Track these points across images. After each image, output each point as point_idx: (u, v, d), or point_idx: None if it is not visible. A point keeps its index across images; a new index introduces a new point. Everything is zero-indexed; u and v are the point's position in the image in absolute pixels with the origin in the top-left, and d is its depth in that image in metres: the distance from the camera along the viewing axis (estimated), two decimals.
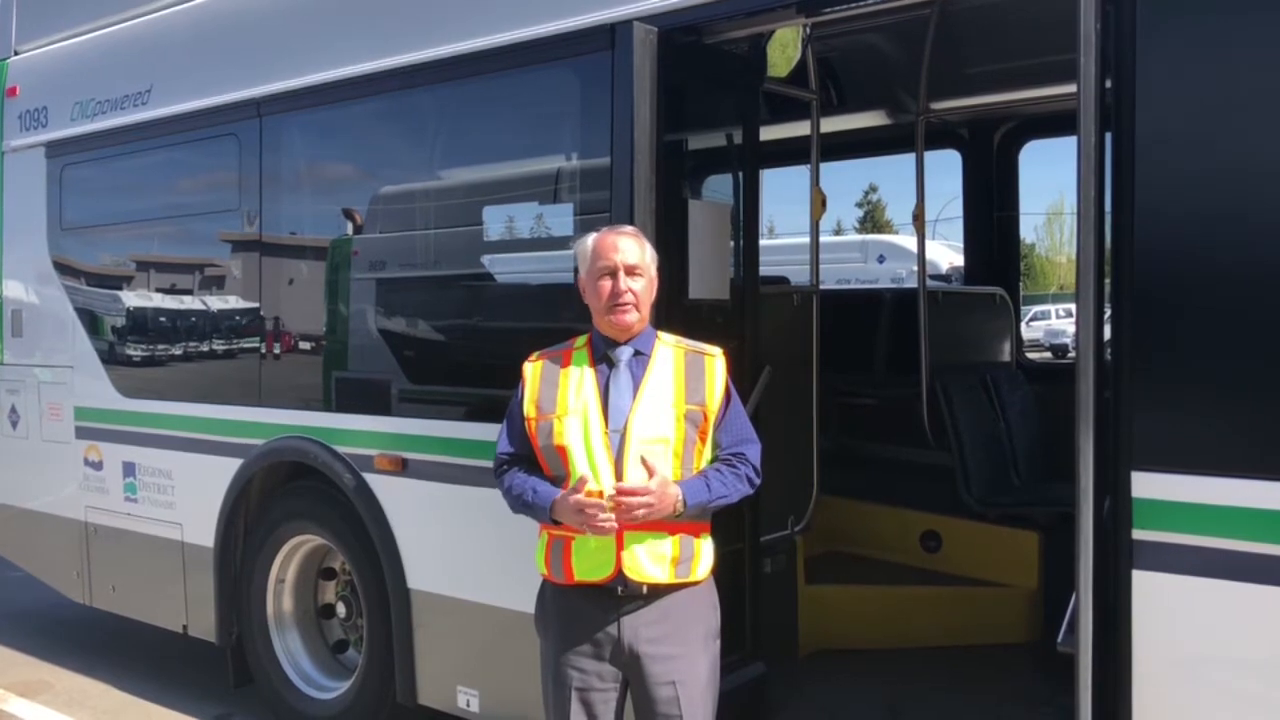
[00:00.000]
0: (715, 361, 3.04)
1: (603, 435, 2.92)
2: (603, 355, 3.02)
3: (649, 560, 2.90)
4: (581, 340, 3.09)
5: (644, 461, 2.85)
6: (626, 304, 2.96)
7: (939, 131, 6.39)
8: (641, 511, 2.81)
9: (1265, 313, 2.73)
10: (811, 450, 5.08)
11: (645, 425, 2.91)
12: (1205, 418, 2.83)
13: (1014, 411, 6.06)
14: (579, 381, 2.99)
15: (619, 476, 2.88)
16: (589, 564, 2.92)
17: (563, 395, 2.99)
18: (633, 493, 2.80)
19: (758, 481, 3.05)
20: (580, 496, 2.84)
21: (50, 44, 6.22)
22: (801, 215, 5.37)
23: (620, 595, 2.92)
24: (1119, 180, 2.91)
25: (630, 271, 2.98)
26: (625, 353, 3.00)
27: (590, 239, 3.07)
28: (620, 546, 2.88)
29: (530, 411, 3.02)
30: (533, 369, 3.08)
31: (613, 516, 2.81)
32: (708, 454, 3.01)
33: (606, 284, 2.97)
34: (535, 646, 3.16)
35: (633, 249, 3.00)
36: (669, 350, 3.04)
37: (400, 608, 4.47)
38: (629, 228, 3.17)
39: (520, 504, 3.02)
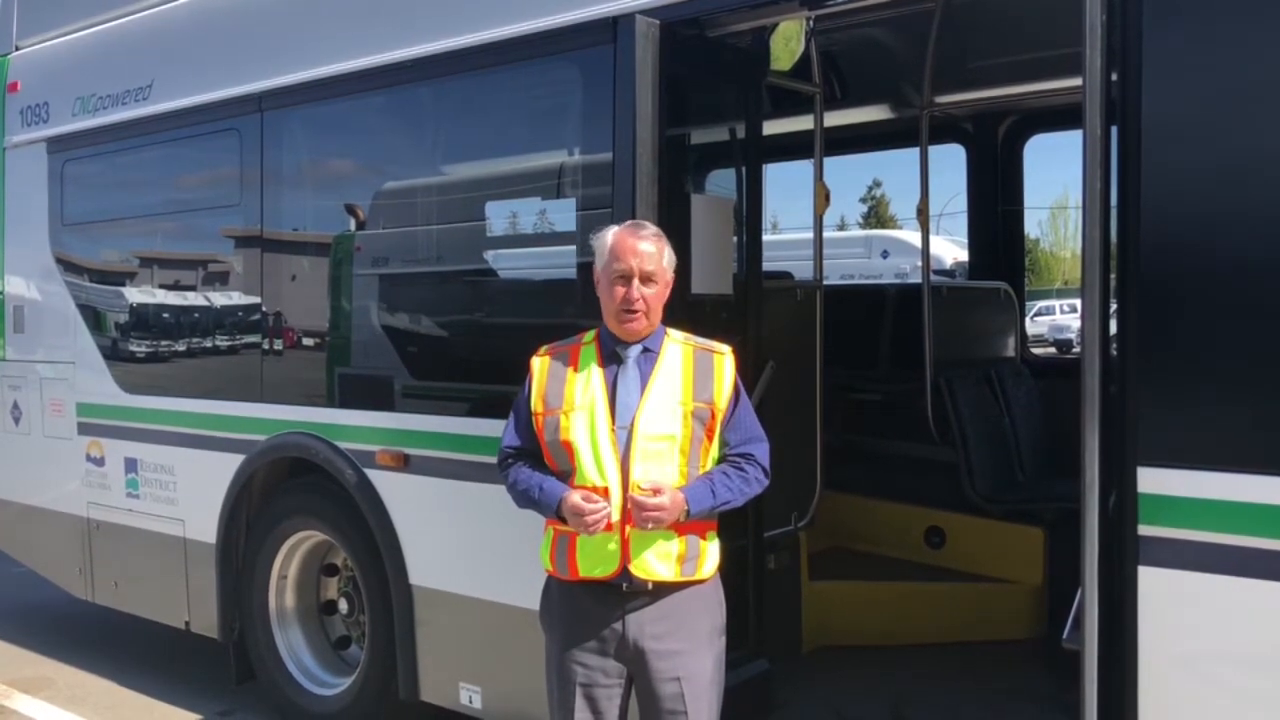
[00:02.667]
0: (725, 360, 3.02)
1: (609, 432, 2.91)
2: (611, 351, 3.00)
3: (655, 557, 2.89)
4: (590, 336, 3.07)
5: (653, 487, 2.83)
6: (637, 312, 2.94)
7: (943, 126, 6.37)
8: (651, 525, 2.82)
9: (1272, 307, 2.71)
10: (815, 446, 5.06)
11: (651, 422, 2.90)
12: (1211, 413, 2.81)
13: (1018, 407, 6.04)
14: (586, 377, 2.98)
15: (625, 473, 2.87)
16: (594, 560, 2.91)
17: (570, 391, 2.97)
18: (643, 506, 2.80)
19: (766, 481, 3.04)
20: (577, 500, 2.85)
21: (52, 39, 6.20)
22: (805, 210, 5.34)
23: (625, 591, 2.91)
24: (1124, 174, 2.89)
25: (646, 279, 2.94)
26: (634, 349, 2.98)
27: (610, 234, 3.01)
28: (626, 543, 2.87)
29: (537, 406, 3.01)
30: (540, 364, 3.07)
31: (597, 511, 2.82)
32: (715, 452, 3.00)
33: (620, 290, 2.94)
34: (538, 643, 3.15)
35: (651, 254, 2.95)
36: (678, 348, 3.02)
37: (402, 604, 4.46)
38: (650, 228, 3.07)
39: (526, 500, 3.01)
